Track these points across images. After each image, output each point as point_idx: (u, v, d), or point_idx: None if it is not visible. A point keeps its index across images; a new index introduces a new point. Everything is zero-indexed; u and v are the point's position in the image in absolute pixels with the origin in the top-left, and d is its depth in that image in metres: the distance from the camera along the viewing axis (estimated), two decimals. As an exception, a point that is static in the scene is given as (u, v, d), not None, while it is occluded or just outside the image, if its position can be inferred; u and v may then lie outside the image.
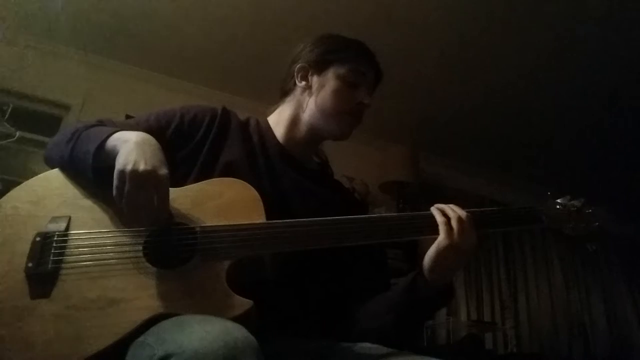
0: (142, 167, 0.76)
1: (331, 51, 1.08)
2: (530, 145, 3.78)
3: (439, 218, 0.87)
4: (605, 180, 3.83)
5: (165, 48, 3.04)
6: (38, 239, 0.77)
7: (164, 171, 0.78)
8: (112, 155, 0.80)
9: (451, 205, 0.90)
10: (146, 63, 3.20)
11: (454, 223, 0.86)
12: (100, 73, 3.13)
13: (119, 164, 0.77)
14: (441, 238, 0.86)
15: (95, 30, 2.90)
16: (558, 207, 1.00)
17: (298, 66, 1.10)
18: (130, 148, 0.79)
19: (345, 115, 1.06)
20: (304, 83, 1.09)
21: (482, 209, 0.94)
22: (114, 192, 0.77)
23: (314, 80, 1.08)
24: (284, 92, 1.13)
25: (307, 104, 1.08)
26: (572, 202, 1.00)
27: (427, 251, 0.88)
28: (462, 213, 0.88)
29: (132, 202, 0.76)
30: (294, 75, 1.11)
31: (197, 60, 3.15)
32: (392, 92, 3.25)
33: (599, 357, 3.79)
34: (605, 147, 3.69)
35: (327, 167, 1.19)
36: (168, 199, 0.80)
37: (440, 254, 0.86)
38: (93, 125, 0.91)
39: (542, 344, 3.70)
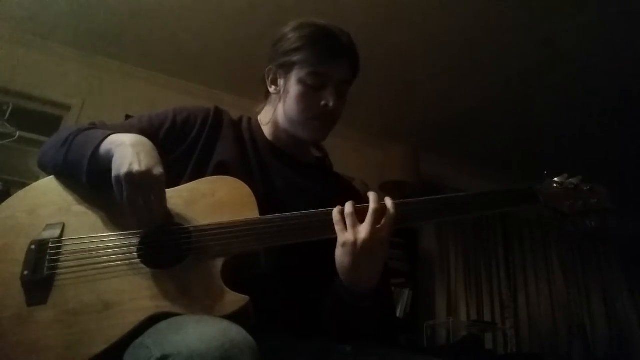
0: (136, 168, 0.76)
1: (293, 50, 0.99)
2: (530, 145, 3.78)
3: (335, 216, 0.82)
4: (606, 180, 3.83)
5: (165, 48, 3.05)
6: (33, 246, 0.78)
7: (159, 170, 0.78)
8: (106, 159, 0.80)
9: (374, 199, 0.83)
10: (146, 63, 3.21)
11: (347, 219, 0.81)
12: (100, 73, 3.14)
13: (115, 168, 0.78)
14: (338, 238, 0.81)
15: (95, 30, 2.91)
16: (555, 185, 0.98)
17: (267, 69, 1.06)
18: (125, 151, 0.79)
19: (311, 121, 1.00)
20: (273, 87, 1.05)
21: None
22: (117, 197, 0.78)
23: (282, 83, 1.03)
24: (266, 93, 1.10)
25: (279, 110, 1.04)
26: (569, 180, 0.98)
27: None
28: (373, 205, 0.81)
29: (131, 204, 0.76)
30: (265, 79, 1.07)
31: (197, 60, 3.15)
32: (392, 92, 3.26)
33: (599, 357, 3.79)
34: (606, 146, 3.70)
35: (326, 160, 1.17)
36: (165, 198, 0.80)
37: (338, 256, 0.82)
38: (86, 129, 0.91)
39: (542, 344, 3.70)
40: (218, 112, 1.06)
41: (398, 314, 3.13)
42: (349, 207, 0.83)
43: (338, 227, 0.82)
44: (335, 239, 0.83)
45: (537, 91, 3.20)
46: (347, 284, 0.83)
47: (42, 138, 2.95)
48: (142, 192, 0.76)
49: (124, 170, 0.76)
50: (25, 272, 0.75)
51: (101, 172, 0.81)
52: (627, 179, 3.81)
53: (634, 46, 2.74)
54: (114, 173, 0.78)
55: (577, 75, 3.01)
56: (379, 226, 0.81)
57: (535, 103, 3.31)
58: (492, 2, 2.53)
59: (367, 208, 0.83)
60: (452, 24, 2.69)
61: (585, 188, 0.97)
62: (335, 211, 0.83)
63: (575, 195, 0.96)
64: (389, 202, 0.85)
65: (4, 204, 0.84)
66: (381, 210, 0.82)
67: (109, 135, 0.85)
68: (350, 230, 0.81)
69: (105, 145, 0.83)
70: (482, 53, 2.90)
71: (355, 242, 0.79)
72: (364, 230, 0.80)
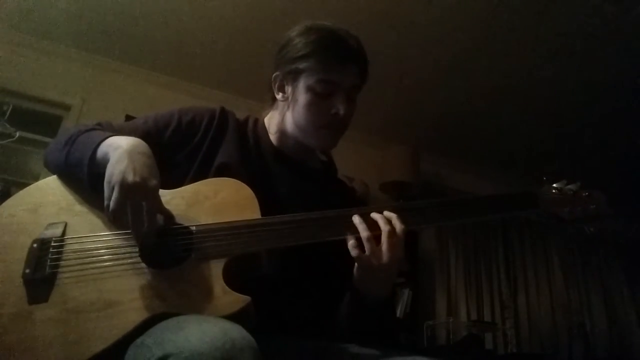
0: (130, 178, 0.75)
1: (300, 57, 0.97)
2: (530, 144, 3.78)
3: (350, 241, 0.83)
4: (606, 180, 3.83)
5: (165, 48, 3.05)
6: (35, 245, 0.78)
7: (153, 182, 0.77)
8: (103, 163, 0.80)
9: (384, 222, 0.84)
10: (146, 63, 3.20)
11: (366, 245, 0.82)
12: (100, 73, 3.14)
13: (108, 173, 0.77)
14: (357, 262, 0.84)
15: (95, 30, 2.90)
16: (554, 191, 0.98)
17: (273, 76, 1.04)
18: (120, 156, 0.78)
19: (321, 129, 0.99)
20: (281, 95, 1.03)
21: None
22: (105, 202, 0.76)
23: (289, 91, 1.01)
24: (272, 99, 1.08)
25: (287, 118, 1.02)
26: (568, 186, 0.99)
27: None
28: (385, 228, 0.82)
29: (118, 213, 0.75)
30: (272, 86, 1.06)
31: (197, 60, 3.15)
32: (392, 92, 3.26)
33: (599, 357, 3.79)
34: (606, 147, 3.69)
35: (331, 165, 1.17)
36: (157, 210, 0.79)
37: (358, 276, 0.86)
38: (88, 130, 0.91)
39: (542, 344, 3.70)
40: (223, 114, 1.05)
41: (398, 314, 3.13)
42: (365, 233, 0.83)
43: (354, 252, 0.83)
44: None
45: (537, 91, 3.19)
46: (366, 294, 0.87)
47: (42, 138, 2.95)
48: (132, 202, 0.75)
49: (116, 177, 0.75)
50: (27, 271, 0.75)
51: (101, 174, 0.80)
52: (627, 179, 3.81)
53: (636, 45, 2.74)
54: (106, 177, 0.77)
55: (577, 75, 3.01)
56: (394, 242, 0.83)
57: (536, 103, 3.31)
58: (492, 2, 2.53)
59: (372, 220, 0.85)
60: (453, 24, 2.69)
61: (584, 194, 0.98)
62: (350, 241, 0.84)
63: (574, 201, 0.97)
64: (394, 217, 0.85)
65: (6, 202, 0.84)
66: (394, 230, 0.84)
67: (107, 137, 0.84)
68: (371, 256, 0.82)
69: (103, 148, 0.82)
70: (483, 53, 2.90)
71: (378, 267, 0.82)
72: (385, 256, 0.82)
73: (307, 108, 0.98)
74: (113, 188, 0.75)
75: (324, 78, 0.96)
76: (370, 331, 0.92)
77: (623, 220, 4.01)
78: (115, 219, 0.76)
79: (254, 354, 0.59)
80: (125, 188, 0.74)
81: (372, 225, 0.85)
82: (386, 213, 0.85)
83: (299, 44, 0.99)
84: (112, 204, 0.75)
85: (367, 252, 0.82)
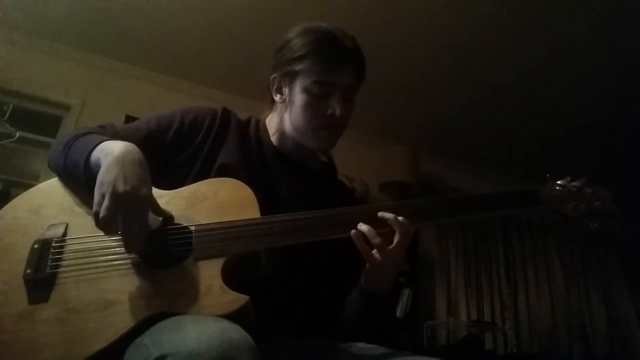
0: (121, 187, 0.73)
1: (296, 59, 0.97)
2: (530, 145, 3.78)
3: (359, 244, 0.84)
4: (606, 180, 3.82)
5: (165, 48, 3.05)
6: (36, 246, 0.79)
7: (144, 191, 0.76)
8: (96, 169, 0.79)
9: (399, 225, 0.85)
10: (146, 63, 3.21)
11: (375, 244, 0.84)
12: (100, 73, 3.14)
13: (99, 182, 0.76)
14: (368, 261, 0.86)
15: (96, 30, 2.91)
16: (558, 188, 0.98)
17: (271, 78, 1.05)
18: (110, 164, 0.77)
19: (319, 130, 0.99)
20: (278, 96, 1.04)
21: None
22: (94, 207, 0.75)
23: (287, 92, 1.01)
24: (271, 100, 1.09)
25: (285, 119, 1.03)
26: (572, 183, 0.99)
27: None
28: (401, 230, 0.84)
29: (107, 220, 0.73)
30: (270, 87, 1.06)
31: (197, 60, 3.15)
32: (392, 92, 3.26)
33: (599, 357, 3.79)
34: (606, 146, 3.69)
35: (332, 166, 1.17)
36: (147, 220, 0.78)
37: (369, 274, 0.89)
38: (84, 134, 0.90)
39: (542, 344, 3.70)
40: (225, 114, 1.05)
41: (398, 314, 3.13)
42: (371, 232, 0.84)
43: (364, 252, 0.84)
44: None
45: (537, 91, 3.20)
46: (375, 290, 0.90)
47: (42, 138, 2.95)
48: (123, 213, 0.74)
49: (106, 186, 0.74)
50: (28, 271, 0.76)
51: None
52: (627, 179, 3.81)
53: (634, 45, 2.74)
54: (96, 185, 0.76)
55: (577, 74, 3.01)
56: (405, 243, 0.85)
57: (536, 103, 3.31)
58: (492, 1, 2.53)
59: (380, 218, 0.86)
60: (452, 23, 2.70)
61: (588, 191, 0.97)
62: (358, 238, 0.84)
63: (578, 197, 0.96)
64: (405, 220, 0.86)
65: (9, 204, 0.85)
66: (406, 232, 0.85)
67: (100, 142, 0.84)
68: (379, 255, 0.84)
69: (95, 154, 0.82)
70: (482, 53, 2.90)
71: (387, 265, 0.85)
72: (395, 254, 0.84)
73: (303, 109, 0.98)
74: (104, 196, 0.74)
75: (320, 79, 0.96)
76: (377, 326, 0.94)
77: (624, 218, 4.00)
78: (104, 227, 0.75)
79: (253, 354, 0.58)
80: (116, 198, 0.73)
81: (377, 223, 0.85)
82: (401, 218, 0.86)
83: (295, 45, 0.99)
84: (102, 211, 0.73)
85: (378, 256, 0.83)
